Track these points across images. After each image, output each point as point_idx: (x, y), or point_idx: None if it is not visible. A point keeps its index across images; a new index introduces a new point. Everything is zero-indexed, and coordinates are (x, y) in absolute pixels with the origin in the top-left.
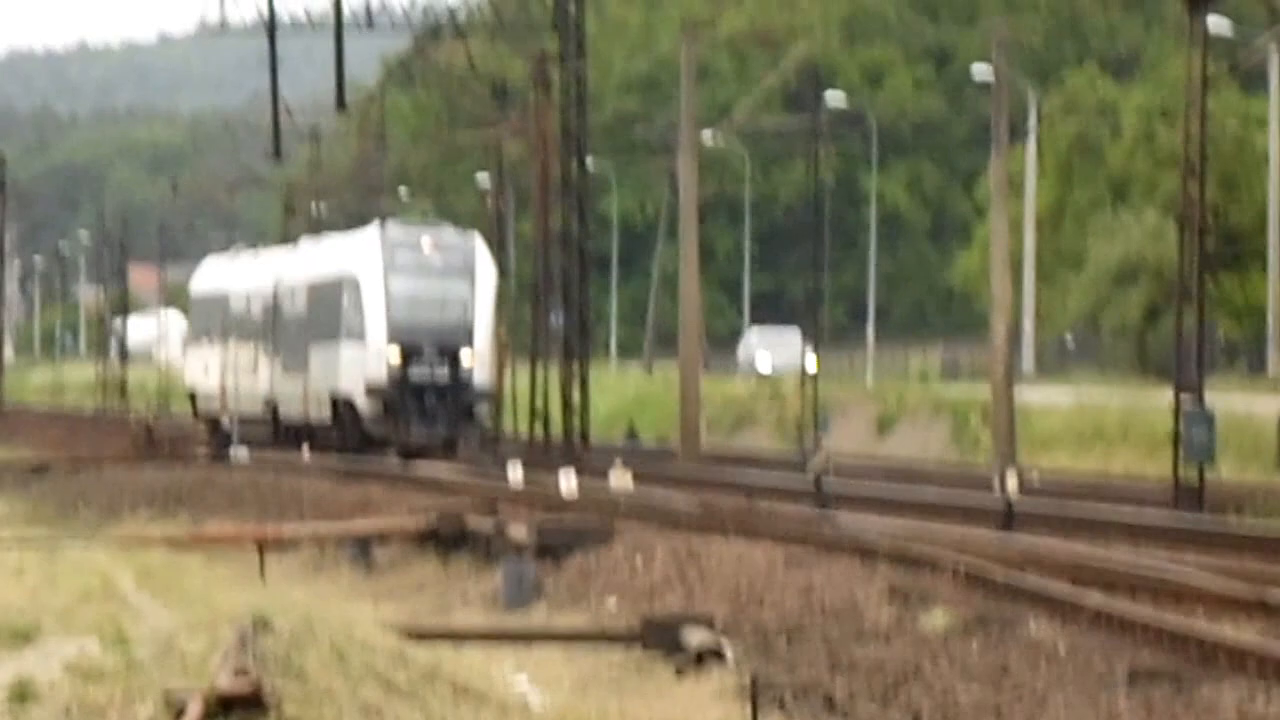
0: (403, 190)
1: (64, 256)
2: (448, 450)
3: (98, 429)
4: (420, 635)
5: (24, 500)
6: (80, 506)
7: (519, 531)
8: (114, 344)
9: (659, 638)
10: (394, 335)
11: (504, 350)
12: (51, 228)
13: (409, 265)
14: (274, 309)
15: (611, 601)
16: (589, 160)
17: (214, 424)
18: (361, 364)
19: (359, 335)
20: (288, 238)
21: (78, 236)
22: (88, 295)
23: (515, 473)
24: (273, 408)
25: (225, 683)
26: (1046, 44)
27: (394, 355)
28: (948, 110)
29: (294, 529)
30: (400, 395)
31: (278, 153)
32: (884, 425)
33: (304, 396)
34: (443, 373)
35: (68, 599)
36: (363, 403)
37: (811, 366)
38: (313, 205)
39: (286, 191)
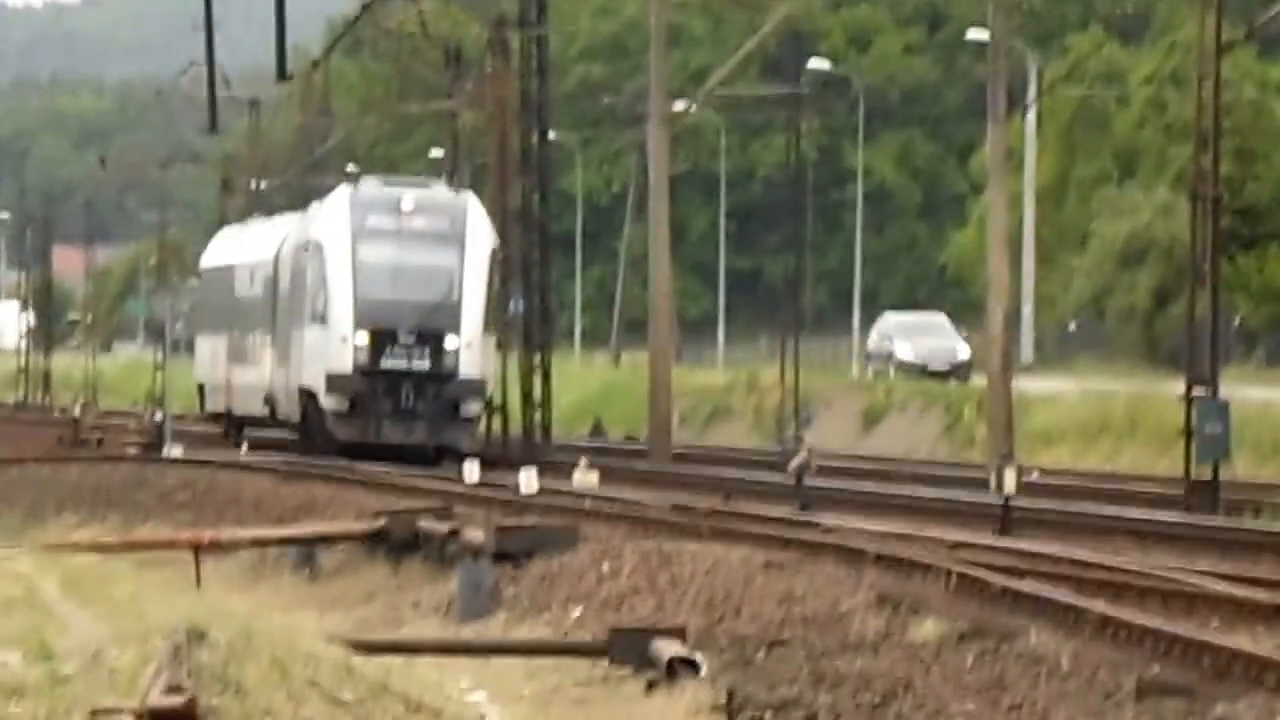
0: (350, 166)
1: None
2: (430, 456)
3: (19, 424)
4: (369, 647)
5: None
6: (1, 508)
7: (476, 535)
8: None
9: (627, 650)
10: (363, 315)
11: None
12: None
13: (384, 230)
14: (272, 286)
15: (576, 611)
16: (551, 132)
17: (227, 419)
18: (324, 351)
19: (321, 316)
20: (224, 218)
21: None
22: (8, 280)
23: (471, 471)
24: (271, 405)
25: (157, 699)
26: (1048, 5)
27: (362, 339)
28: (941, 77)
29: (232, 533)
30: (370, 389)
31: (214, 125)
32: (871, 419)
33: (286, 391)
34: (422, 361)
35: None
36: (325, 398)
37: (965, 353)
38: (252, 182)
39: (224, 167)
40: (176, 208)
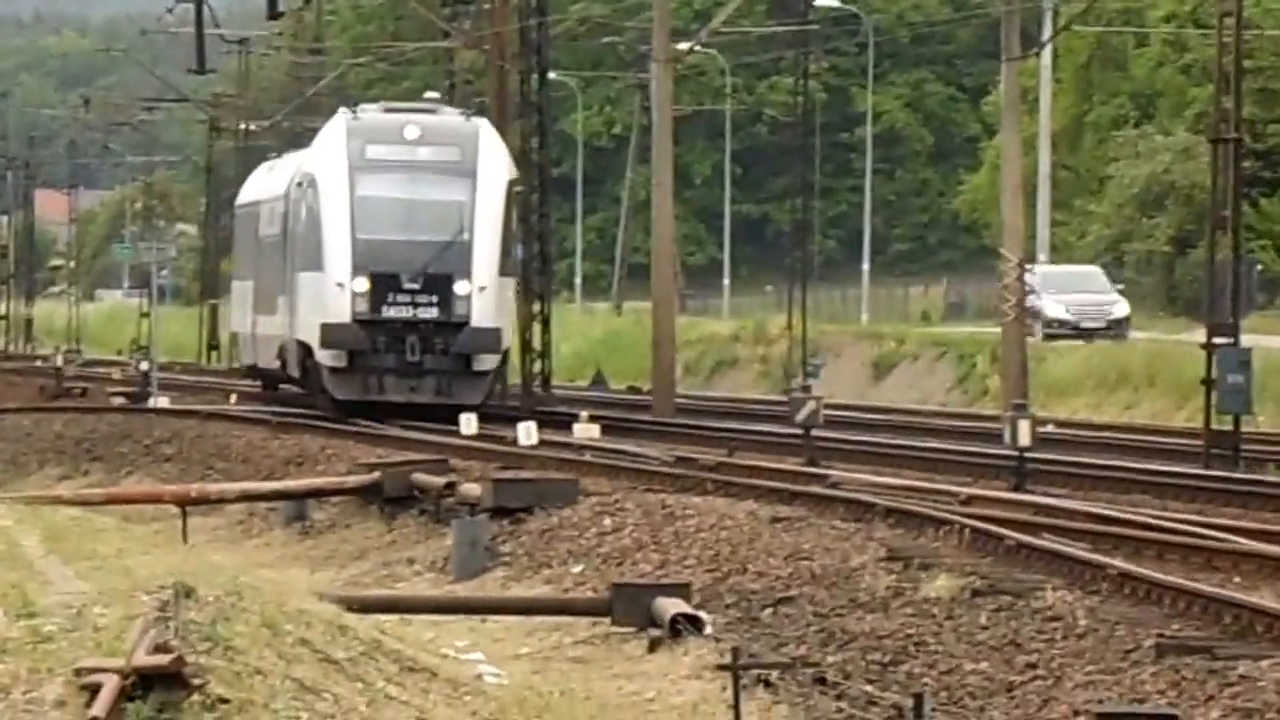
0: (343, 109)
1: None
2: (439, 414)
3: (0, 374)
4: (362, 606)
5: None
6: None
7: (472, 489)
8: None
9: (629, 608)
10: (361, 258)
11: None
12: None
13: (385, 161)
14: (283, 226)
15: (576, 568)
16: (551, 73)
17: (259, 376)
18: (319, 300)
19: (316, 260)
20: (212, 162)
21: None
22: None
23: (469, 423)
24: (283, 359)
25: (143, 658)
26: None
27: (360, 285)
28: (952, 15)
29: (221, 487)
30: (371, 341)
31: (201, 66)
32: (881, 369)
33: (290, 344)
34: (429, 309)
35: None
36: (321, 353)
37: (1123, 309)
38: (242, 124)
39: (212, 109)
40: (163, 151)
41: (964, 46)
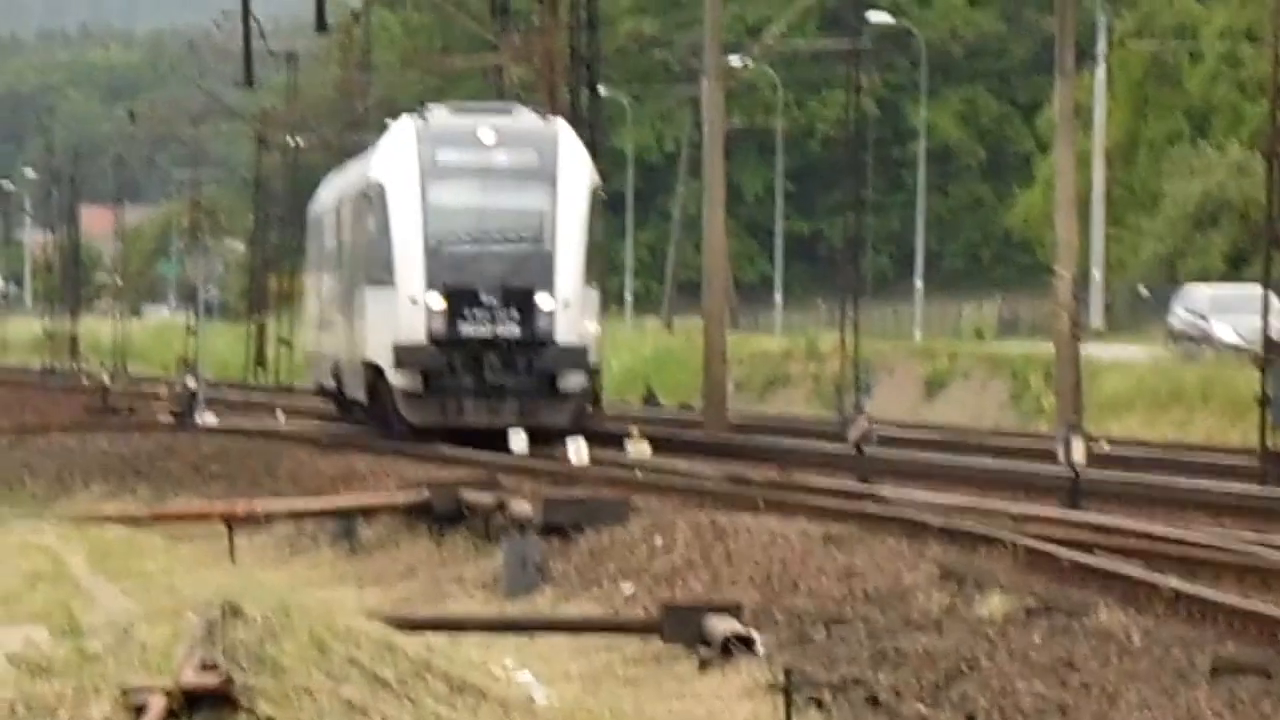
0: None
1: (7, 196)
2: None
3: (46, 391)
4: (411, 624)
5: None
6: (26, 479)
7: (522, 507)
8: None
9: (680, 627)
10: (436, 272)
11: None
12: None
13: (459, 167)
14: (352, 235)
15: (627, 586)
16: (601, 88)
17: (338, 400)
18: (390, 317)
19: (385, 274)
20: (260, 176)
21: (22, 173)
22: (34, 240)
23: (518, 440)
24: (338, 379)
25: (191, 678)
26: None
27: (436, 301)
28: (1006, 30)
29: (268, 504)
30: (447, 362)
31: (249, 79)
32: (934, 387)
33: (351, 364)
34: (510, 326)
35: (13, 583)
36: (394, 375)
37: None
38: (289, 139)
39: (259, 123)
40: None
41: (1017, 62)
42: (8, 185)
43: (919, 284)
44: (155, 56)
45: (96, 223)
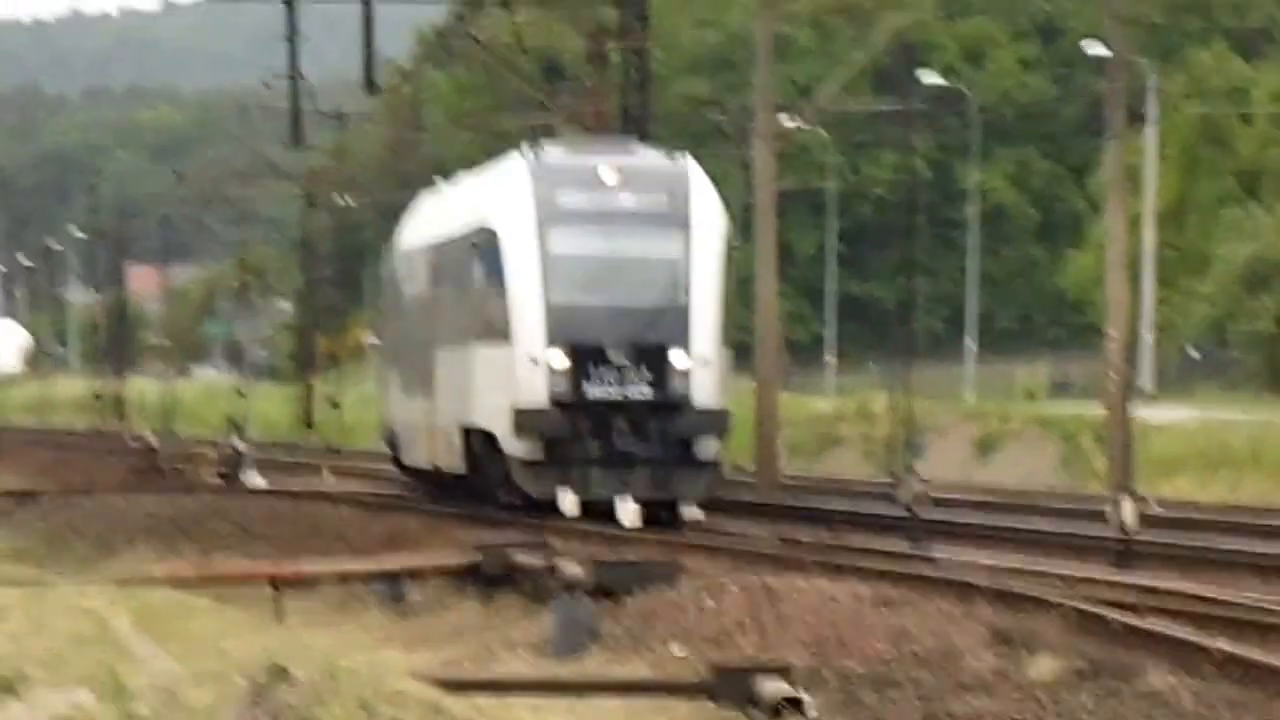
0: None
1: (53, 254)
2: (659, 512)
3: (91, 451)
4: (459, 685)
5: (7, 533)
6: (71, 539)
7: (572, 568)
8: None
9: (731, 689)
10: (558, 327)
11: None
12: (38, 222)
13: (581, 211)
14: (453, 286)
15: (676, 648)
16: None
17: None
18: (506, 378)
19: (499, 330)
20: (308, 236)
21: (68, 232)
22: (80, 299)
23: (568, 501)
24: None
25: None
26: (1168, 17)
27: (559, 360)
28: (1057, 93)
29: (315, 565)
30: (571, 427)
31: (297, 139)
32: (985, 448)
33: (446, 433)
34: (641, 387)
35: (57, 644)
36: (511, 442)
37: None
38: (337, 198)
39: (308, 183)
40: (257, 225)
41: (1069, 124)
42: (54, 244)
43: (971, 344)
44: (203, 116)
45: (143, 283)
